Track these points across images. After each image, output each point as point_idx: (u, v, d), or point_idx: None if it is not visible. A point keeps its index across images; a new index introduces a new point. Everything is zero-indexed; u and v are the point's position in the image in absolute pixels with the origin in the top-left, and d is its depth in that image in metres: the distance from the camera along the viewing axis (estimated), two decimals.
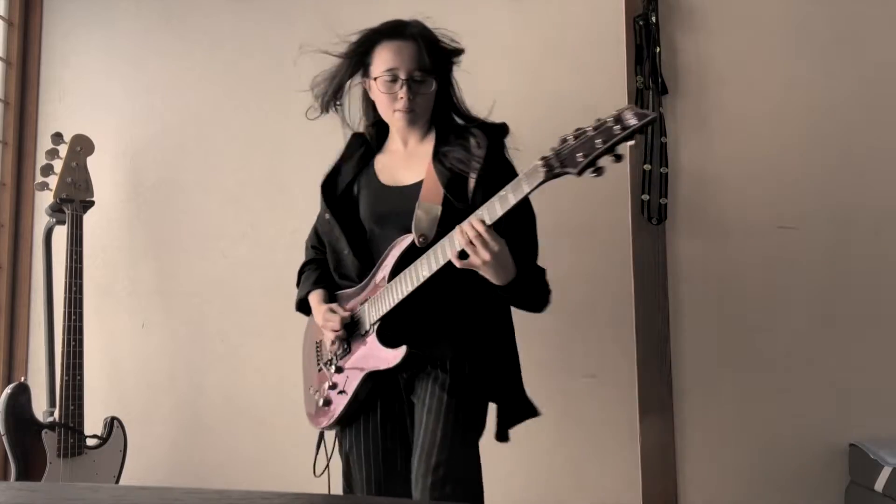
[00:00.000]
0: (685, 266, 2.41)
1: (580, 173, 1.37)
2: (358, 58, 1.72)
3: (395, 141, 1.79)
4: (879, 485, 2.04)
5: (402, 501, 1.52)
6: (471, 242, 1.46)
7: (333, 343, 1.72)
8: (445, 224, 1.57)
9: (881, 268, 2.33)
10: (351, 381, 1.68)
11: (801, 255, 2.36)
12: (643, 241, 2.41)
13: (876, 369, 2.29)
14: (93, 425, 2.40)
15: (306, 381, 1.85)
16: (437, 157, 1.66)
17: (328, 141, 2.65)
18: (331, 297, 1.77)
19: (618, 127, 1.32)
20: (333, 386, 1.71)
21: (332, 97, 1.78)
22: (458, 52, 1.74)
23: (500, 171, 1.61)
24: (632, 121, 1.32)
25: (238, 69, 2.77)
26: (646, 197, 2.40)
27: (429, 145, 1.72)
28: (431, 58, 1.67)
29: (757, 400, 2.34)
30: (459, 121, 1.76)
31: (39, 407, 2.38)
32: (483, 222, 1.46)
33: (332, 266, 1.79)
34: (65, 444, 2.31)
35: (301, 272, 1.88)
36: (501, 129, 1.70)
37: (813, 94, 2.40)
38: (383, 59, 1.68)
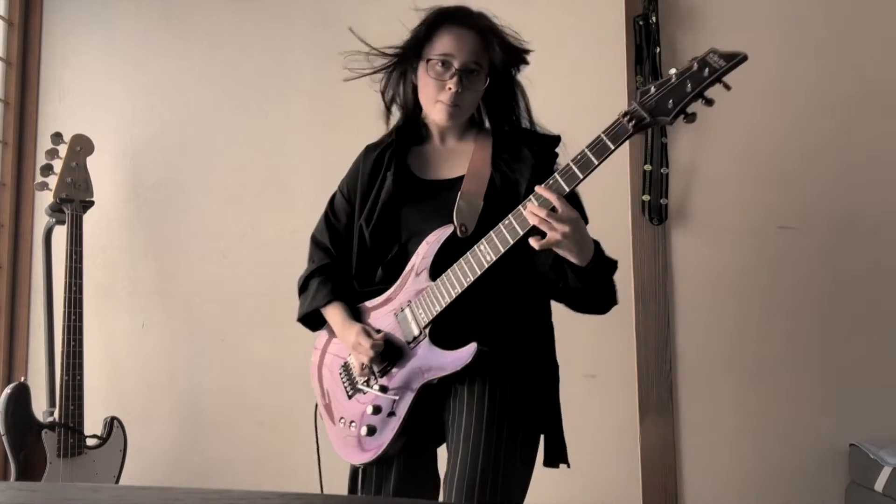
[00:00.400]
0: (685, 266, 2.41)
1: (673, 120, 1.32)
2: (420, 38, 1.57)
3: (430, 136, 1.66)
4: (879, 485, 2.04)
5: (400, 501, 1.50)
6: (543, 220, 1.34)
7: (364, 367, 1.53)
8: (486, 219, 1.47)
9: (881, 267, 2.33)
10: (402, 401, 1.48)
11: (801, 255, 2.36)
12: (643, 242, 2.41)
13: (875, 369, 2.29)
14: (93, 425, 2.40)
15: (332, 412, 1.62)
16: (497, 162, 1.56)
17: (328, 141, 2.66)
18: (353, 311, 1.61)
19: (706, 70, 1.29)
20: (377, 410, 1.50)
21: (396, 88, 1.63)
22: (524, 55, 1.61)
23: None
24: (719, 62, 1.28)
25: (238, 69, 2.77)
26: (646, 197, 2.40)
27: (469, 144, 1.61)
28: (490, 54, 1.55)
29: (757, 400, 2.34)
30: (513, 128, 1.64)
31: (39, 407, 2.38)
32: (557, 193, 1.35)
33: (360, 269, 1.62)
34: (65, 444, 2.31)
35: (308, 278, 1.68)
36: (551, 141, 1.59)
37: (813, 94, 2.40)
38: (441, 43, 1.54)
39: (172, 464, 2.66)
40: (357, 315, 1.60)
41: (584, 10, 2.53)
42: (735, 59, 1.28)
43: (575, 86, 2.49)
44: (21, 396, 2.30)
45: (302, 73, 2.71)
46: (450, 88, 1.52)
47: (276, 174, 2.70)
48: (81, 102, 2.86)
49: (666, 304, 2.39)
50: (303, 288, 1.70)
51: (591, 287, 1.46)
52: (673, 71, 1.33)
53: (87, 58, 2.88)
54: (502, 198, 1.50)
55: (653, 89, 1.32)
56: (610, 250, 2.46)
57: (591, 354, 2.41)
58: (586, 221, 1.52)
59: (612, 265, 1.50)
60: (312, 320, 1.69)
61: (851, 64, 2.39)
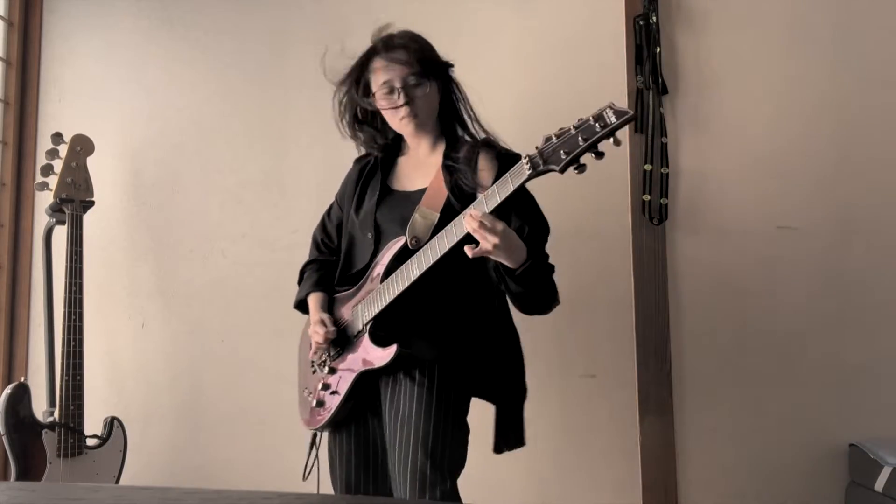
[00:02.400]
0: (685, 266, 2.41)
1: (563, 170, 1.44)
2: (356, 80, 1.77)
3: (406, 149, 1.84)
4: (879, 485, 2.04)
5: (402, 501, 1.52)
6: (476, 230, 1.49)
7: (317, 352, 1.77)
8: (440, 231, 1.60)
9: (881, 267, 2.33)
10: (343, 382, 1.70)
11: (801, 255, 2.36)
12: (643, 241, 2.41)
13: (876, 369, 2.29)
14: (93, 425, 2.40)
15: (301, 383, 1.88)
16: (446, 167, 1.71)
17: (328, 141, 2.66)
18: (330, 300, 1.82)
19: (598, 125, 1.39)
20: (326, 387, 1.74)
21: (351, 121, 1.83)
22: (448, 64, 1.78)
23: (507, 201, 1.59)
24: (611, 118, 1.38)
25: (238, 69, 2.77)
26: (646, 197, 2.40)
27: (439, 155, 1.76)
28: (422, 62, 1.71)
29: (757, 400, 2.34)
30: (474, 133, 1.78)
31: (39, 407, 2.38)
32: (483, 212, 1.51)
33: (342, 268, 1.82)
34: (65, 444, 2.31)
35: (304, 270, 1.92)
36: (513, 160, 1.66)
37: (813, 94, 2.40)
38: (377, 76, 1.73)
39: (172, 464, 2.66)
40: (332, 303, 1.82)
41: (584, 10, 2.53)
42: (623, 118, 1.37)
43: (575, 85, 2.49)
44: (21, 396, 2.30)
45: (302, 73, 2.70)
46: (401, 105, 1.71)
47: (276, 174, 2.70)
48: (81, 102, 2.86)
49: (666, 304, 2.39)
50: (299, 280, 1.93)
51: (529, 288, 1.60)
52: (578, 120, 1.43)
53: (87, 58, 2.88)
54: (457, 212, 1.62)
55: (553, 138, 1.45)
56: (610, 250, 2.48)
57: (591, 354, 2.41)
58: (542, 222, 1.67)
59: (548, 268, 1.64)
60: (304, 306, 1.89)
61: (851, 63, 2.39)
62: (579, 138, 1.41)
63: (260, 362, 2.62)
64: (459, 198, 1.66)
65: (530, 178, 1.46)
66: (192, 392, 2.68)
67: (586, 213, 2.41)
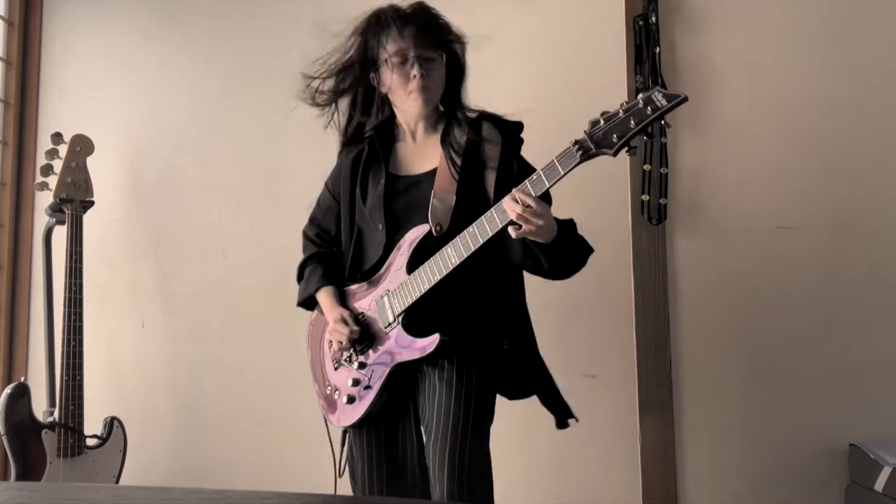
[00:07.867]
0: (685, 266, 2.41)
1: (616, 153, 1.44)
2: (368, 48, 1.71)
3: (402, 134, 1.79)
4: (879, 485, 2.04)
5: (403, 501, 1.52)
6: (521, 215, 1.48)
7: (340, 351, 1.71)
8: (459, 213, 1.60)
9: (881, 267, 2.32)
10: (376, 376, 1.66)
11: (801, 255, 2.36)
12: (643, 241, 2.41)
13: (876, 369, 2.29)
14: (93, 425, 2.40)
15: (320, 380, 1.81)
16: (447, 141, 1.68)
17: (329, 140, 2.65)
18: (341, 293, 1.77)
19: (649, 108, 1.40)
20: (356, 382, 1.69)
21: (345, 87, 1.79)
22: (459, 37, 1.74)
23: (519, 168, 1.65)
24: (662, 101, 1.40)
25: (238, 69, 2.77)
26: (646, 197, 2.40)
27: (438, 135, 1.72)
28: (436, 35, 1.67)
29: (757, 400, 2.34)
30: (470, 111, 1.75)
31: (39, 407, 2.38)
32: (529, 195, 1.49)
33: (351, 262, 1.77)
34: (65, 444, 2.31)
35: (303, 266, 1.86)
36: (517, 127, 1.71)
37: (812, 94, 2.40)
38: (392, 42, 1.66)
39: (172, 464, 2.66)
40: (343, 296, 1.76)
41: (584, 10, 2.53)
42: (676, 100, 1.39)
43: (575, 85, 2.49)
44: (21, 396, 2.30)
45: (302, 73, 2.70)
46: (414, 76, 1.66)
47: (276, 174, 2.70)
48: (81, 102, 2.86)
49: (666, 304, 2.39)
50: (299, 276, 1.87)
51: (564, 254, 1.60)
52: (621, 104, 1.44)
53: (87, 58, 2.88)
54: (471, 189, 1.63)
55: (602, 122, 1.44)
56: (609, 250, 2.47)
57: (591, 354, 2.41)
58: (550, 203, 1.64)
59: (572, 225, 1.64)
60: (310, 302, 1.84)
61: (851, 63, 2.39)
62: (631, 121, 1.41)
63: (260, 362, 2.62)
64: (471, 178, 1.64)
65: (581, 162, 1.45)
66: (192, 392, 2.68)
67: (585, 212, 2.40)
